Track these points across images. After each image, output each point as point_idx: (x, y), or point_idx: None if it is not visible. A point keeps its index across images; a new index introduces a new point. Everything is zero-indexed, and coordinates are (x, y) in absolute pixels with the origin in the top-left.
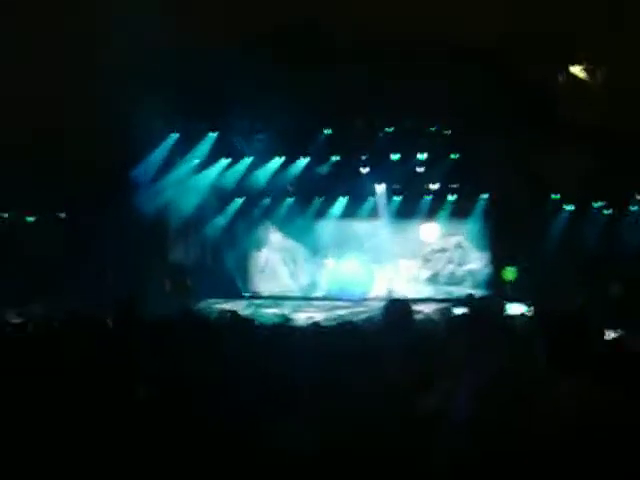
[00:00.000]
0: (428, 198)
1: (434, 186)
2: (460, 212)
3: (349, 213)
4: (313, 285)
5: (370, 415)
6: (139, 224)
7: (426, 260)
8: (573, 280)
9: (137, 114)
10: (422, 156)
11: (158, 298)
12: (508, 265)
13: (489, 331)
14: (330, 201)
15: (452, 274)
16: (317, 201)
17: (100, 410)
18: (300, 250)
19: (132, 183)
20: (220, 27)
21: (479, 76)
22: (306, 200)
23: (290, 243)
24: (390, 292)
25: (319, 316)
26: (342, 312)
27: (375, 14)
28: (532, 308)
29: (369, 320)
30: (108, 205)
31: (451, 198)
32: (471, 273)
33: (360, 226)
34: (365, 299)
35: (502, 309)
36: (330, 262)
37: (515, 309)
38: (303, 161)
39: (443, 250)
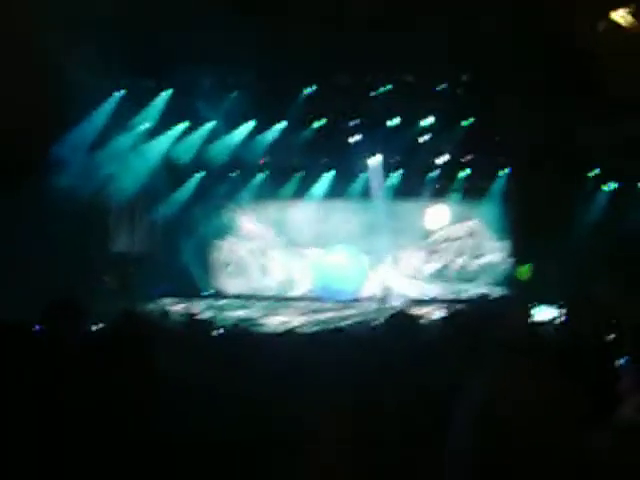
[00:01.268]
0: (434, 174)
1: (442, 159)
2: (474, 192)
3: (336, 192)
4: (290, 282)
5: None
6: (71, 206)
7: (432, 251)
8: (609, 277)
9: (70, 67)
10: (427, 121)
11: (96, 298)
12: (525, 262)
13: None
14: (312, 177)
15: (463, 268)
16: (296, 177)
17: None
18: (274, 239)
19: (62, 155)
20: None
21: (498, 18)
22: (282, 176)
23: (262, 230)
24: (387, 291)
25: (297, 320)
26: (326, 315)
27: None
28: (564, 312)
29: (361, 326)
30: (29, 184)
31: (463, 174)
32: (487, 267)
33: (349, 209)
34: (355, 300)
35: (526, 315)
36: (312, 254)
37: (543, 314)
38: (278, 127)
39: (452, 239)
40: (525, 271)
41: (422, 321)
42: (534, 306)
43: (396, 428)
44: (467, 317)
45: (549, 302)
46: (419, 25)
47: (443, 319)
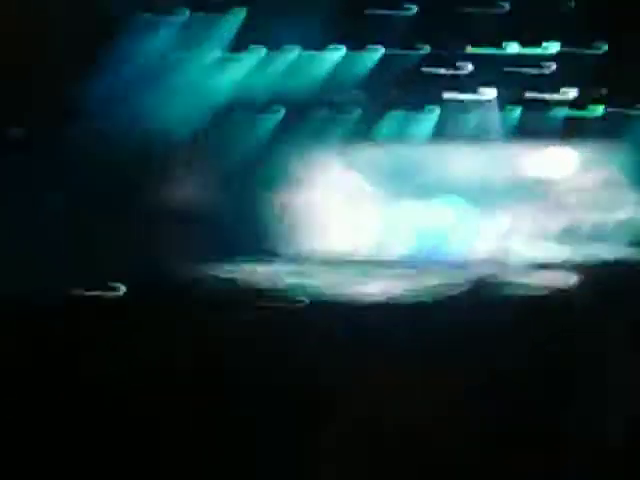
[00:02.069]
0: (561, 110)
1: (570, 94)
2: (610, 131)
3: (441, 133)
4: (386, 242)
5: None
6: (112, 153)
7: (557, 205)
8: None
9: None
10: (552, 47)
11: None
12: None
13: None
14: (413, 115)
15: (598, 226)
16: (394, 115)
17: None
18: (367, 189)
19: (102, 92)
20: None
21: None
22: (378, 113)
23: (352, 178)
24: (504, 252)
25: (397, 287)
26: (434, 282)
27: None
28: None
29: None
30: (68, 123)
31: (595, 110)
32: (626, 224)
33: (457, 153)
34: (465, 261)
35: None
36: (412, 207)
37: None
38: (373, 53)
39: (583, 190)
40: None
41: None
42: None
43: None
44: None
45: None
46: None
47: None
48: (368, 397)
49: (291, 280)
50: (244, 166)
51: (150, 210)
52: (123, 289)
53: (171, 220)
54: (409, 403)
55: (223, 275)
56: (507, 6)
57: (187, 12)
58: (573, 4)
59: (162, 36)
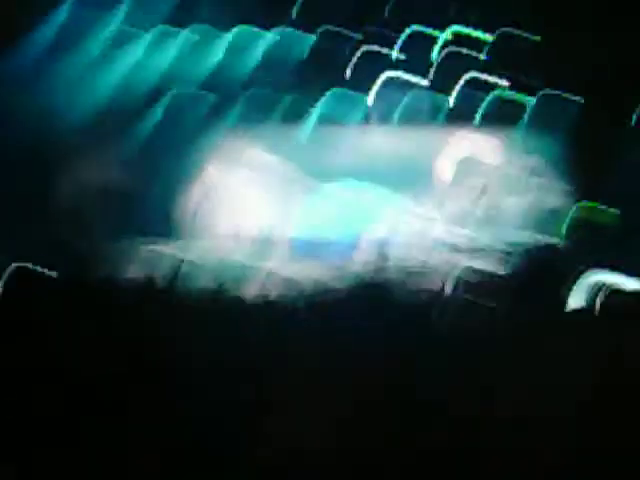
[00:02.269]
0: (489, 98)
1: (500, 81)
2: (540, 121)
3: (336, 116)
4: (282, 223)
5: None
6: (23, 132)
7: (480, 189)
8: None
9: None
10: (479, 32)
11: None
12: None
13: None
14: (309, 96)
15: (519, 211)
16: (298, 95)
17: None
18: (271, 168)
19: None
20: None
21: None
22: (280, 93)
23: (256, 157)
24: (384, 253)
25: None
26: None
27: None
28: None
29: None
30: None
31: (524, 100)
32: (550, 211)
33: (381, 136)
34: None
35: None
36: (314, 187)
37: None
38: (279, 31)
39: (508, 176)
40: (607, 214)
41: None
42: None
43: None
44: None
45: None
46: None
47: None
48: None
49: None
50: (165, 148)
51: (67, 190)
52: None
53: (88, 199)
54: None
55: (144, 254)
56: None
57: None
58: None
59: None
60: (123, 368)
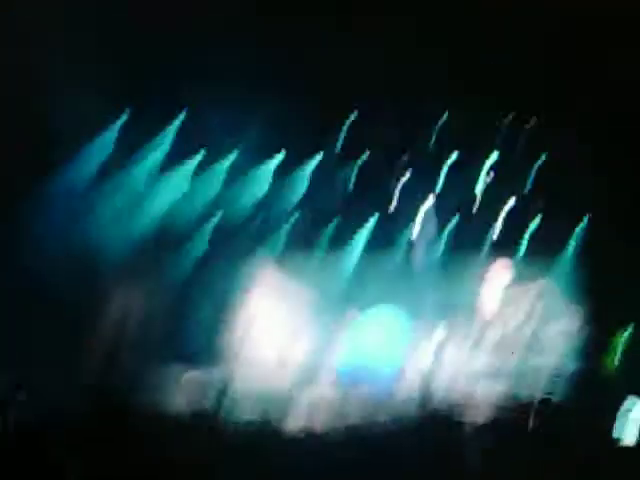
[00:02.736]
0: (497, 223)
1: (507, 205)
2: (544, 244)
3: (379, 243)
4: (316, 368)
5: None
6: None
7: (492, 317)
8: None
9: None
10: (490, 159)
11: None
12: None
13: None
14: (352, 223)
15: (532, 338)
16: (332, 224)
17: None
18: (306, 298)
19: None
20: None
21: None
22: (317, 221)
23: (292, 286)
24: (427, 391)
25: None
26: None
27: None
28: None
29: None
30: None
31: (532, 224)
32: (560, 337)
33: (389, 281)
34: (389, 395)
35: None
36: (349, 318)
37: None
38: (312, 162)
39: (518, 302)
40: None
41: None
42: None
43: None
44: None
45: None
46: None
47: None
48: None
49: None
50: (210, 276)
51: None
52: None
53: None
54: None
55: (189, 382)
56: (445, 117)
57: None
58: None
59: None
60: None
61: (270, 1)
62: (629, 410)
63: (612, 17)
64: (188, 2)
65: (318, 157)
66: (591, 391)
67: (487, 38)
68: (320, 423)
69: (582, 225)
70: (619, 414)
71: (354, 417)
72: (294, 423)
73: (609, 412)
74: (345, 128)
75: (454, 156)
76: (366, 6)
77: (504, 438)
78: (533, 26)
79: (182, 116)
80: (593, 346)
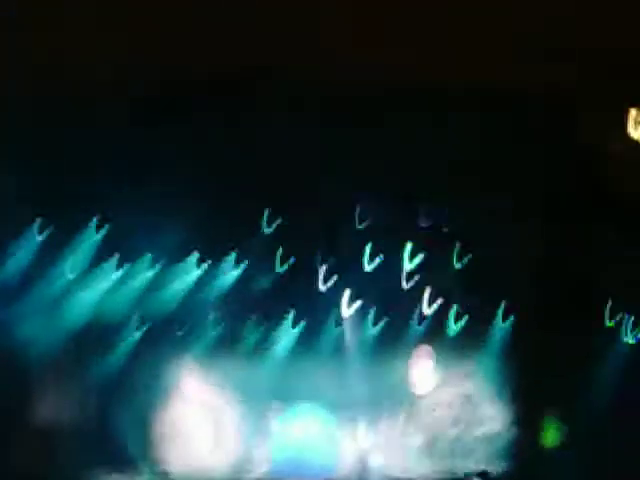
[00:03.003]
0: (423, 325)
1: (432, 306)
2: (470, 343)
3: (303, 347)
4: (247, 460)
5: None
6: None
7: (418, 419)
8: None
9: None
10: (414, 262)
11: None
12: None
13: None
14: (275, 329)
15: (457, 441)
16: (255, 330)
17: None
18: (229, 408)
19: None
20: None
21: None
22: (238, 328)
23: (213, 398)
24: (365, 470)
25: None
26: None
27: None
28: None
29: None
30: None
31: (457, 324)
32: (485, 439)
33: (319, 366)
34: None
35: None
36: (274, 422)
37: None
38: (234, 270)
39: (444, 405)
40: (552, 435)
41: None
42: None
43: None
44: None
45: None
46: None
47: None
48: None
49: None
50: (105, 382)
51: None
52: None
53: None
54: None
55: None
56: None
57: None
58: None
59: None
60: None
61: None
62: None
63: None
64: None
65: (237, 258)
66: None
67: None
68: None
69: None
70: None
71: None
72: None
73: None
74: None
75: (377, 258)
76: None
77: None
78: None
79: (96, 223)
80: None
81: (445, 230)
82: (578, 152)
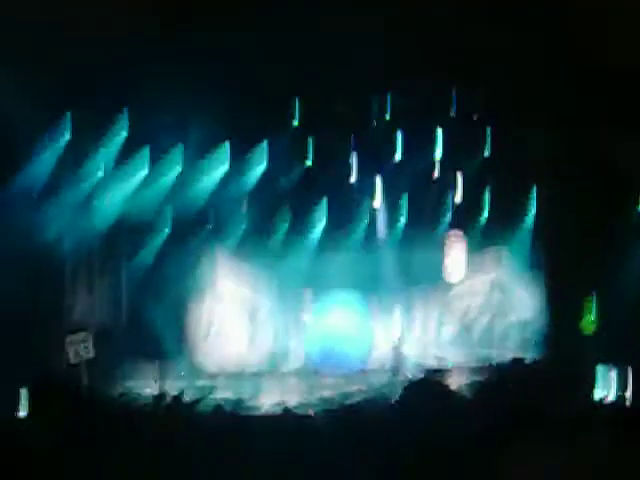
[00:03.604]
0: (449, 216)
1: (457, 198)
2: (496, 235)
3: (332, 242)
4: (282, 354)
5: None
6: (13, 267)
7: (449, 310)
8: None
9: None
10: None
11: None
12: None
13: None
14: (303, 225)
15: (488, 330)
16: (283, 227)
17: None
18: (261, 302)
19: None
20: None
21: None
22: (267, 226)
23: (246, 290)
24: (399, 360)
25: (294, 400)
26: (327, 393)
27: None
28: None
29: (372, 402)
30: None
31: (482, 215)
32: (517, 327)
33: (349, 261)
34: (361, 370)
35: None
36: (307, 317)
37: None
38: (259, 168)
39: (473, 294)
40: (589, 322)
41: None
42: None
43: None
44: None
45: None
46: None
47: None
48: None
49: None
50: (138, 282)
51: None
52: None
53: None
54: None
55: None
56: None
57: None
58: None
59: (51, 155)
60: None
61: None
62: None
63: None
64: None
65: (266, 145)
66: (561, 355)
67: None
68: (294, 400)
69: (536, 195)
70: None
71: (328, 392)
72: (267, 401)
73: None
74: (291, 115)
75: (403, 135)
76: None
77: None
78: None
79: (125, 116)
80: (559, 313)
81: (475, 117)
82: None
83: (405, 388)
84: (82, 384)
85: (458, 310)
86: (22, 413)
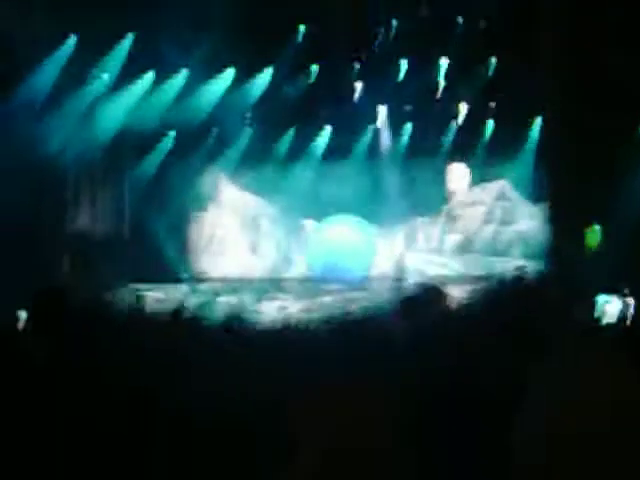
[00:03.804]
0: (452, 127)
1: (461, 109)
2: (502, 146)
3: (336, 151)
4: (286, 261)
5: None
6: (17, 176)
7: (453, 219)
8: None
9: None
10: (443, 63)
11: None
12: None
13: None
14: (308, 134)
15: (492, 239)
16: (287, 135)
17: None
18: (265, 210)
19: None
20: None
21: None
22: (271, 134)
23: (250, 199)
24: (401, 268)
25: (295, 306)
26: (329, 299)
27: None
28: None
29: (376, 311)
30: None
31: (488, 126)
32: (521, 236)
33: (353, 171)
34: (364, 279)
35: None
36: (310, 226)
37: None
38: (266, 74)
39: (477, 203)
40: (594, 236)
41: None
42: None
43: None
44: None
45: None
46: None
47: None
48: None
49: (193, 299)
50: (141, 189)
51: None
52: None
53: (75, 245)
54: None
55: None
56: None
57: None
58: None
59: (56, 61)
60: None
61: None
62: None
63: None
64: None
65: (269, 70)
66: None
67: None
68: (296, 314)
69: (537, 125)
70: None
71: (331, 306)
72: (269, 315)
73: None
74: (294, 41)
75: (405, 64)
76: None
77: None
78: None
79: (130, 37)
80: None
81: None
82: None
83: (405, 298)
84: (84, 291)
85: (461, 220)
86: (22, 315)
